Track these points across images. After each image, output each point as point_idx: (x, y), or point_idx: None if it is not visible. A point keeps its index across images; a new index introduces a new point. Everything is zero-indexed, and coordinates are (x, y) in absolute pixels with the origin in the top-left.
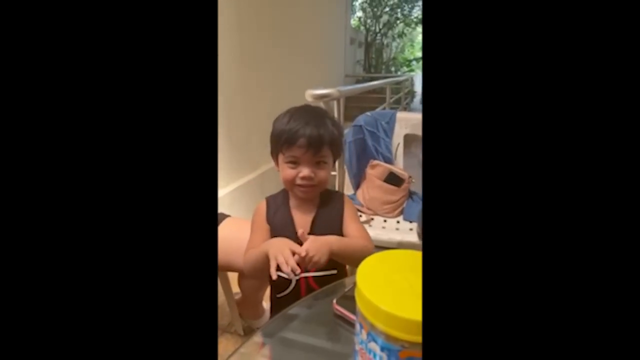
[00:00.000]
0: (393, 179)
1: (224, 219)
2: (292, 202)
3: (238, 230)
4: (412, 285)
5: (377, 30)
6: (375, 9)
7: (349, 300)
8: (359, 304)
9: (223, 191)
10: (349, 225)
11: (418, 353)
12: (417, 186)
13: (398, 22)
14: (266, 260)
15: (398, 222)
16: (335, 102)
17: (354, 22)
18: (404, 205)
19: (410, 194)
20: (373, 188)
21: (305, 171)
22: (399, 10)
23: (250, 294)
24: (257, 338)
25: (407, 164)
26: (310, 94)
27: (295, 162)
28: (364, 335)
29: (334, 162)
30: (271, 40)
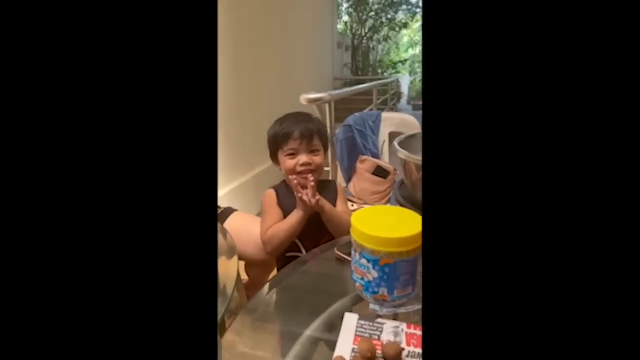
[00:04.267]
0: (380, 172)
1: (231, 213)
2: None
3: (245, 223)
4: (390, 222)
5: (363, 34)
6: (361, 14)
7: (346, 248)
8: (354, 235)
9: (220, 192)
10: (340, 206)
11: (391, 260)
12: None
13: (383, 26)
14: (300, 217)
15: None
16: (327, 105)
17: (340, 27)
18: (391, 194)
19: None
20: (363, 180)
21: (303, 158)
22: (383, 14)
23: (256, 279)
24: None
25: (392, 158)
26: (305, 98)
27: (293, 154)
28: (357, 256)
29: (325, 152)
30: (264, 47)
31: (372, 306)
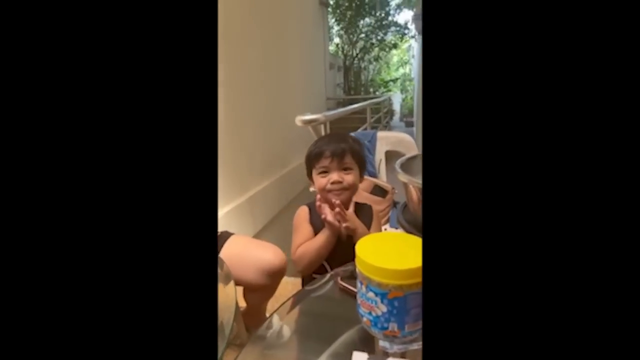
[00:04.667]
0: (378, 191)
1: (229, 236)
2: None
3: (244, 247)
4: (397, 250)
5: (354, 55)
6: (352, 36)
7: (350, 277)
8: (359, 266)
9: None
10: (373, 231)
11: (400, 293)
12: (400, 196)
13: (373, 46)
14: (328, 237)
15: (385, 229)
16: (322, 126)
17: (332, 48)
18: (389, 214)
19: (394, 204)
20: (361, 200)
21: (334, 176)
22: (373, 36)
23: (255, 305)
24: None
25: (389, 177)
26: (300, 120)
27: (325, 172)
28: (363, 289)
29: (361, 173)
30: (257, 69)
31: (381, 343)
